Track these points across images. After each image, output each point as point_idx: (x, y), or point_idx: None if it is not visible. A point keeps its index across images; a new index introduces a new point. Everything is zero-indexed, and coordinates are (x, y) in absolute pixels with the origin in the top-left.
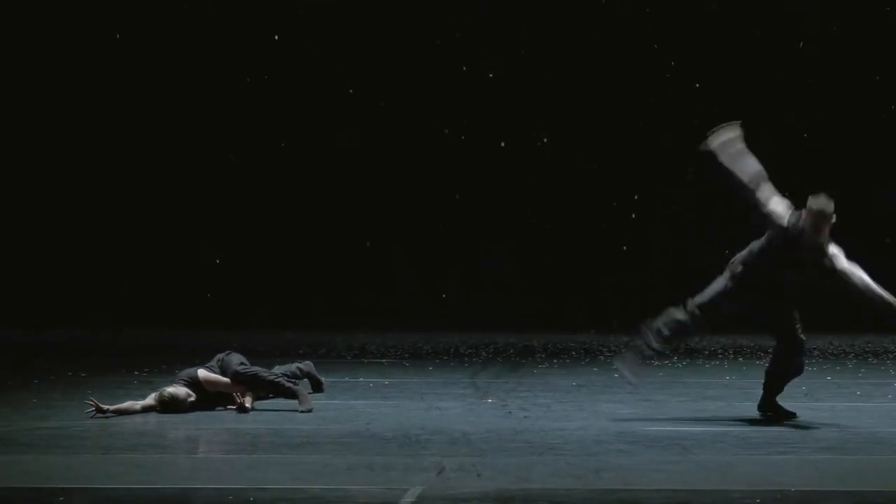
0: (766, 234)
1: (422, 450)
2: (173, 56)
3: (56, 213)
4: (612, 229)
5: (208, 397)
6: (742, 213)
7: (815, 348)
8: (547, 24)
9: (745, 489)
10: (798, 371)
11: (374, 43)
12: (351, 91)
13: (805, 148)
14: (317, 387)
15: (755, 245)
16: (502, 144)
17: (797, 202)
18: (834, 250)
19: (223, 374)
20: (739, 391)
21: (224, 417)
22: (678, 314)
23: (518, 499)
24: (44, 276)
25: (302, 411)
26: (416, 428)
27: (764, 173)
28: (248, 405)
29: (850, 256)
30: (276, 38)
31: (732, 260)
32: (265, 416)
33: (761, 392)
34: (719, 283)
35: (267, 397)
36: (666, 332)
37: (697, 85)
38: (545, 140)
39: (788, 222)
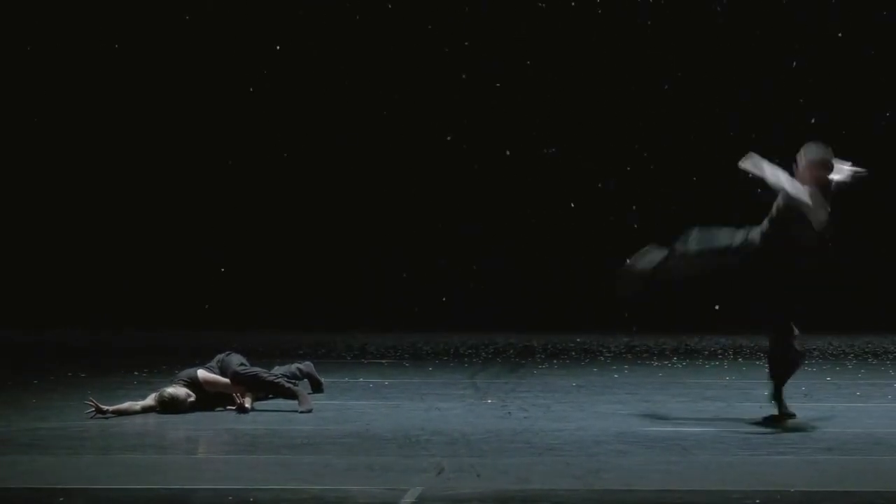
0: (776, 207)
1: (421, 450)
2: (174, 57)
3: (56, 214)
4: (611, 230)
5: (208, 398)
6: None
7: (814, 349)
8: (547, 25)
9: (744, 490)
10: (799, 358)
11: (374, 43)
12: (351, 93)
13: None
14: (316, 387)
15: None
16: (507, 153)
17: None
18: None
19: (223, 374)
20: (739, 392)
21: (224, 418)
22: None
23: (517, 499)
24: (44, 277)
25: (302, 412)
26: (416, 428)
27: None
28: (247, 406)
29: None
30: (278, 48)
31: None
32: (265, 417)
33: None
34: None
35: (267, 398)
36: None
37: (697, 84)
38: (549, 150)
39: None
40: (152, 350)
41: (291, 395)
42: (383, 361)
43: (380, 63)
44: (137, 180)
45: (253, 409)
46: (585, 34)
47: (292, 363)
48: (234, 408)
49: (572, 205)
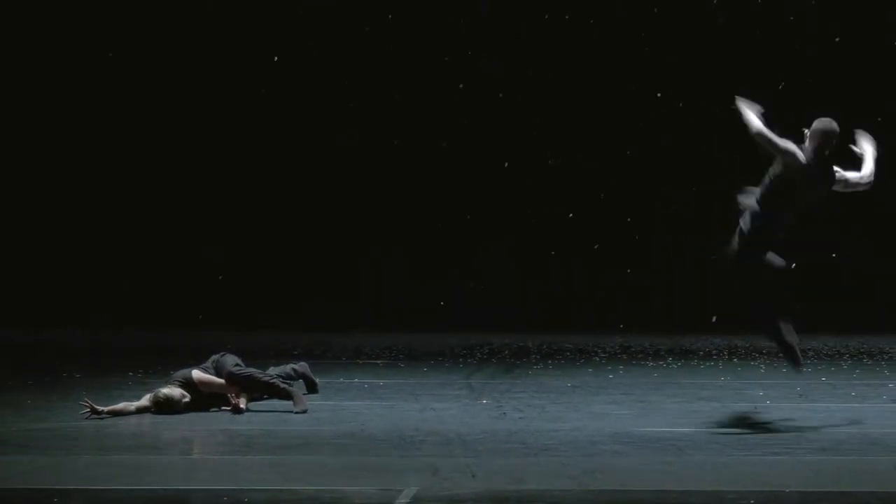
0: (771, 172)
1: (416, 451)
2: (174, 57)
3: (56, 214)
4: (611, 230)
5: (203, 398)
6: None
7: (809, 349)
8: (547, 25)
9: (739, 490)
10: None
11: (374, 43)
12: (351, 93)
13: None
14: (311, 388)
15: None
16: (506, 164)
17: None
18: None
19: (218, 374)
20: (734, 392)
21: (219, 418)
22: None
23: (513, 500)
24: (44, 277)
25: (296, 412)
26: (411, 429)
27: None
28: (242, 406)
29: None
30: (276, 57)
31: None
32: (260, 417)
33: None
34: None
35: (261, 398)
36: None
37: (697, 84)
38: (554, 161)
39: (800, 155)
40: (152, 350)
41: (286, 395)
42: (378, 362)
43: (380, 63)
44: (137, 180)
45: (248, 410)
46: (585, 34)
47: (287, 364)
48: (229, 408)
49: (570, 214)
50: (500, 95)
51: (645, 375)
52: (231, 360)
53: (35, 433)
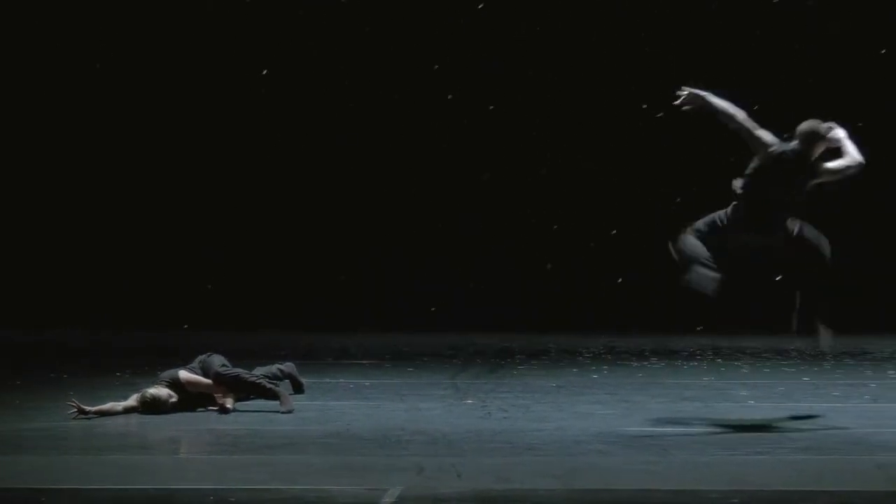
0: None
1: (402, 450)
2: (174, 57)
3: (56, 214)
4: (610, 230)
5: (190, 398)
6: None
7: (793, 349)
8: (547, 24)
9: (723, 489)
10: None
11: (374, 43)
12: (350, 93)
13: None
14: (297, 388)
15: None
16: (485, 175)
17: None
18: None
19: (205, 375)
20: (717, 392)
21: (205, 418)
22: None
23: (498, 499)
24: (44, 277)
25: (283, 412)
26: (397, 429)
27: (746, 114)
28: (229, 406)
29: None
30: (278, 49)
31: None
32: (246, 417)
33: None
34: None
35: (248, 398)
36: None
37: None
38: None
39: (774, 145)
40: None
41: (272, 395)
42: (364, 362)
43: (380, 63)
44: (137, 180)
45: (234, 410)
46: (585, 34)
47: (273, 364)
48: (215, 408)
49: (567, 217)
50: (491, 108)
51: (629, 376)
52: (218, 361)
53: (23, 433)
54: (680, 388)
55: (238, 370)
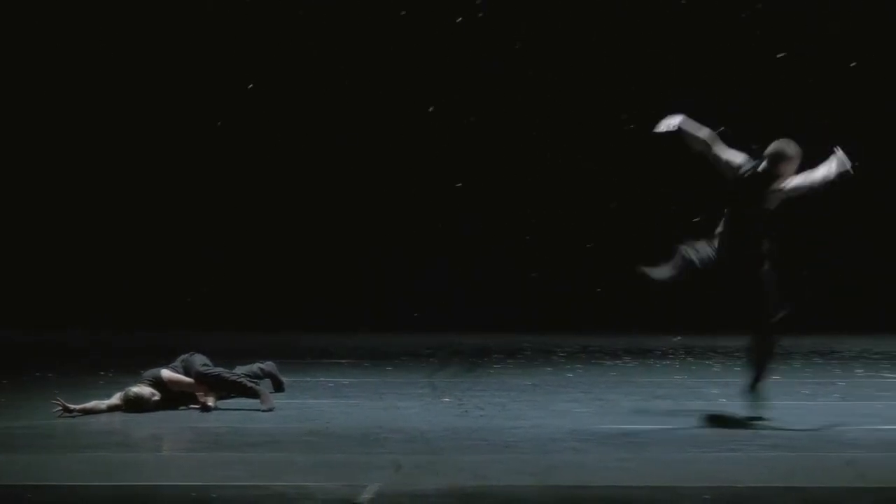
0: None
1: (380, 448)
2: (174, 57)
3: (56, 214)
4: (610, 230)
5: (172, 397)
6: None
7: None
8: (547, 24)
9: (695, 486)
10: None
11: (374, 43)
12: (351, 93)
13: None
14: (278, 386)
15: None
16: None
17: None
18: (791, 182)
19: (186, 374)
20: (689, 390)
21: (187, 416)
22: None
23: (474, 496)
24: (44, 277)
25: (263, 410)
26: (375, 426)
27: (716, 135)
28: (210, 404)
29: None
30: (251, 86)
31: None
32: (227, 415)
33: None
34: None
35: (229, 396)
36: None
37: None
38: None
39: (742, 166)
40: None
41: (253, 394)
42: (343, 361)
43: (380, 63)
44: (137, 180)
45: (216, 408)
46: (585, 34)
47: (254, 363)
48: (197, 406)
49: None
50: (470, 119)
51: (603, 374)
52: (199, 360)
53: (10, 431)
54: (653, 386)
55: (219, 369)
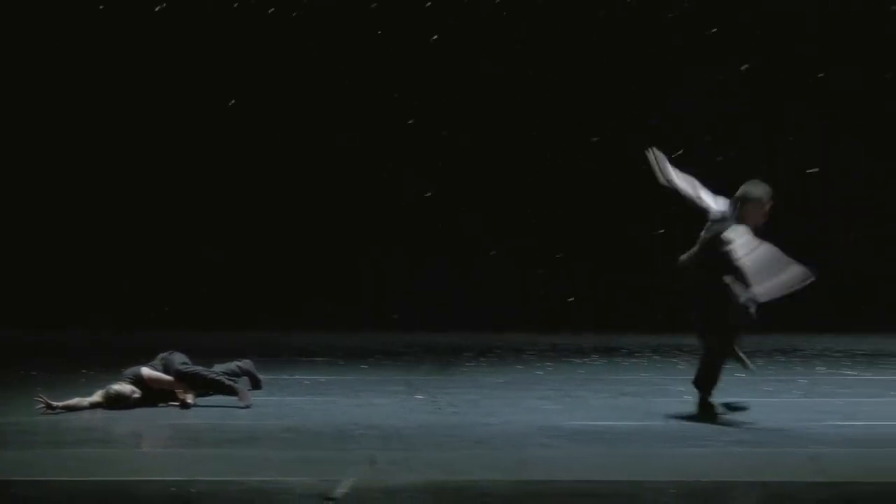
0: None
1: (355, 444)
2: (174, 57)
3: (56, 214)
4: (610, 230)
5: (152, 394)
6: None
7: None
8: (547, 24)
9: (661, 480)
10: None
11: (374, 43)
12: (350, 93)
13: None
14: (255, 384)
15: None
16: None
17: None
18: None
19: (166, 372)
20: (656, 387)
21: (167, 413)
22: None
23: (447, 490)
24: (44, 277)
25: (241, 407)
26: (351, 423)
27: (698, 182)
28: (189, 401)
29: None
30: (232, 103)
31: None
32: (206, 412)
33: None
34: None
35: (208, 394)
36: None
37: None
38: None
39: (722, 212)
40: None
41: (231, 391)
42: (319, 359)
43: (380, 63)
44: (137, 181)
45: (195, 405)
46: (585, 33)
47: (232, 361)
48: (177, 404)
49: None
50: (496, 87)
51: (572, 372)
52: (178, 359)
53: None
54: (620, 383)
55: (198, 367)
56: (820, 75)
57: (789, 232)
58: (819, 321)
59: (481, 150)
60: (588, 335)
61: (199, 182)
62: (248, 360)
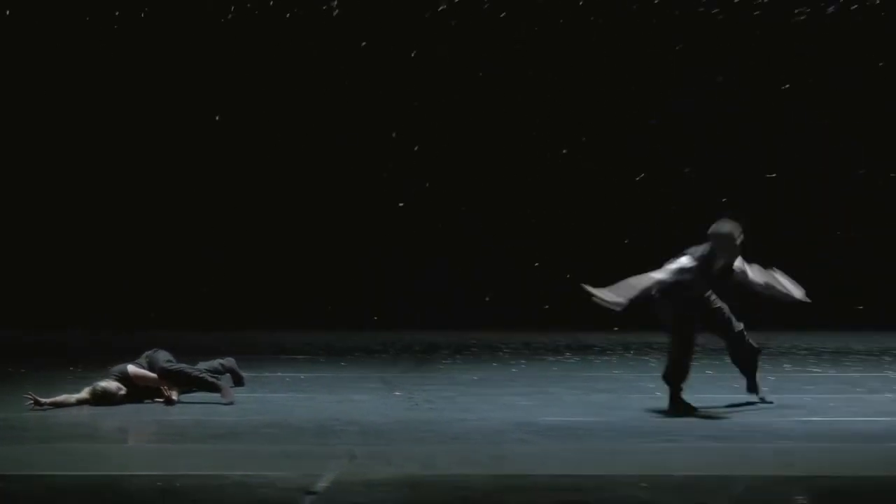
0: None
1: (335, 439)
2: (174, 58)
3: (56, 214)
4: (610, 230)
5: (138, 391)
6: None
7: (697, 346)
8: (547, 25)
9: (633, 474)
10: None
11: (374, 43)
12: (350, 93)
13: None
14: (238, 381)
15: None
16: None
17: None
18: (740, 265)
19: (151, 369)
20: (627, 384)
21: (152, 409)
22: None
23: (425, 484)
24: (44, 277)
25: (224, 404)
26: (331, 419)
27: (647, 276)
28: (174, 398)
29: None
30: (217, 118)
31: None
32: (190, 409)
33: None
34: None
35: (191, 391)
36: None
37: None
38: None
39: (691, 261)
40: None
41: (214, 388)
42: (299, 357)
43: (380, 63)
44: (137, 181)
45: (179, 402)
46: (585, 34)
47: (215, 359)
48: (162, 400)
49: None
50: (496, 87)
51: (546, 369)
52: (163, 356)
53: None
54: (593, 380)
55: (182, 365)
56: (818, 75)
57: (789, 232)
58: (787, 319)
59: (480, 151)
60: (556, 333)
61: (199, 182)
62: (230, 358)
